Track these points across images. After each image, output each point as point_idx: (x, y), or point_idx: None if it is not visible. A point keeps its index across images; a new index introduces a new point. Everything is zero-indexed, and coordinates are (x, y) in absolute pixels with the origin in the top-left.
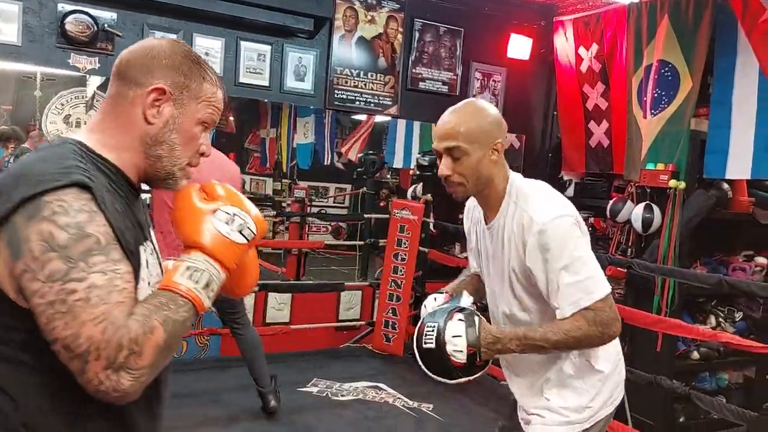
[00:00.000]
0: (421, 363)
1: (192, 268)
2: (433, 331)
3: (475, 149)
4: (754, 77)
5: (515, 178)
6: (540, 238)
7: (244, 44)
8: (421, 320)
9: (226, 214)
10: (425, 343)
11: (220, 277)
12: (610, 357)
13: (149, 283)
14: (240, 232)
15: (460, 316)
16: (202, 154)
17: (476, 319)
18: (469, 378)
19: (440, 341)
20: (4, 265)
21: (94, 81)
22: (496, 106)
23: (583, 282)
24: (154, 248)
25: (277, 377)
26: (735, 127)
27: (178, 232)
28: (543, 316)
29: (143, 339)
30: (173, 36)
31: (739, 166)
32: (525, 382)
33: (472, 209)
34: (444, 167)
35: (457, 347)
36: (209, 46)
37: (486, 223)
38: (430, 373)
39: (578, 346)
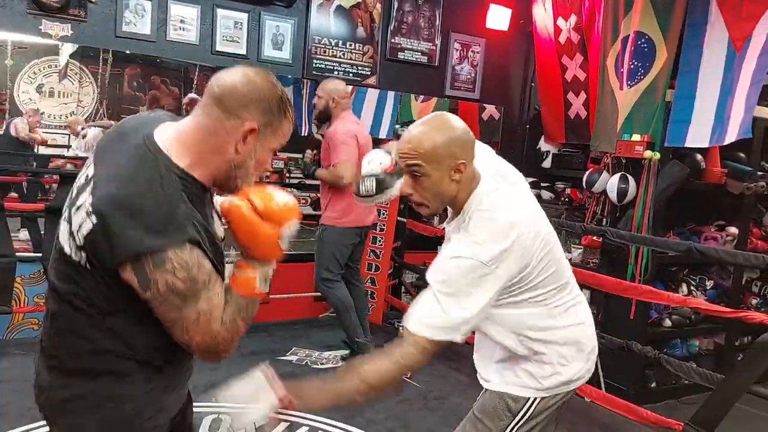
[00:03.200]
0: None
1: (268, 278)
2: None
3: (434, 169)
4: (722, 48)
5: (480, 191)
6: (440, 267)
7: (220, 12)
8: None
9: (286, 235)
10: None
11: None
12: (564, 349)
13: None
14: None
15: None
16: (266, 170)
17: None
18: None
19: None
20: (128, 278)
21: (67, 49)
22: (475, 77)
23: (435, 312)
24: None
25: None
26: (699, 97)
27: (253, 249)
28: None
29: (232, 341)
30: (147, 4)
31: (698, 134)
32: (485, 354)
33: None
34: (405, 185)
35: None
36: (184, 14)
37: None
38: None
39: (371, 390)
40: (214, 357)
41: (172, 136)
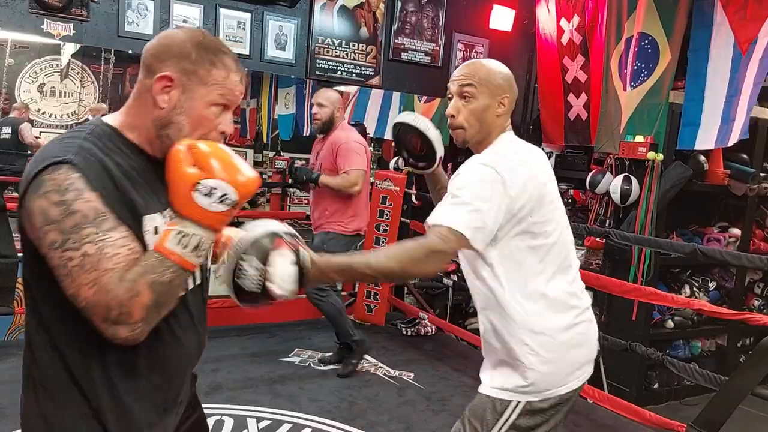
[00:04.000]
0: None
1: (181, 233)
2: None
3: (483, 95)
4: (729, 50)
5: (507, 135)
6: (455, 178)
7: (223, 11)
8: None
9: (206, 187)
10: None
11: (210, 238)
12: (555, 344)
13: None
14: (221, 202)
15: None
16: (222, 133)
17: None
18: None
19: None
20: (29, 230)
21: (69, 48)
22: None
23: (451, 210)
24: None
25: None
26: (708, 99)
27: (170, 197)
28: (473, 282)
29: (129, 302)
30: (150, 3)
31: (706, 136)
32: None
33: None
34: (451, 107)
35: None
36: (187, 14)
37: None
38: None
39: (401, 270)
40: (111, 327)
41: (120, 110)
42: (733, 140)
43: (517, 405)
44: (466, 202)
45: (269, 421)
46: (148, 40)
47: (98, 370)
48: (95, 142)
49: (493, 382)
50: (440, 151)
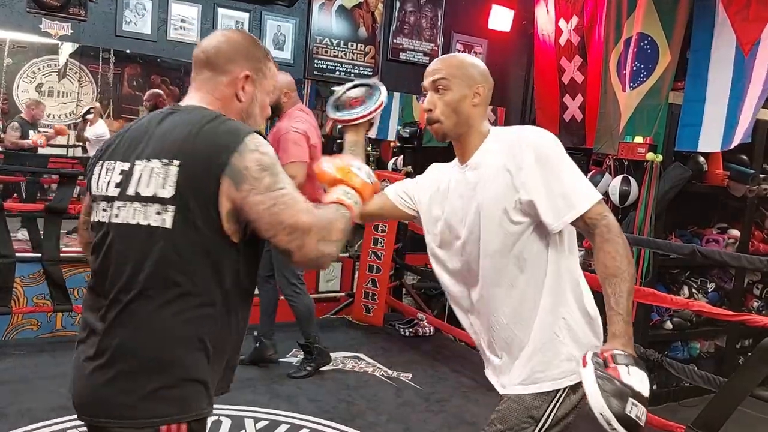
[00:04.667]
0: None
1: (346, 192)
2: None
3: (457, 86)
4: (731, 51)
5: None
6: (536, 151)
7: (221, 11)
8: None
9: (359, 169)
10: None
11: (359, 202)
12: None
13: None
14: (368, 177)
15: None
16: (268, 114)
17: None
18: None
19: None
20: (227, 199)
21: (67, 48)
22: None
23: (575, 191)
24: None
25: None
26: (709, 100)
27: (328, 180)
28: (507, 268)
29: (333, 224)
30: (148, 3)
31: (710, 139)
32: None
33: (436, 171)
34: (426, 102)
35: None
36: (185, 14)
37: (460, 165)
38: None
39: (630, 262)
40: (325, 242)
41: (197, 103)
42: (736, 142)
43: (563, 391)
44: (575, 171)
45: (267, 422)
46: (146, 40)
47: (241, 327)
48: None
49: (534, 376)
50: (380, 87)
